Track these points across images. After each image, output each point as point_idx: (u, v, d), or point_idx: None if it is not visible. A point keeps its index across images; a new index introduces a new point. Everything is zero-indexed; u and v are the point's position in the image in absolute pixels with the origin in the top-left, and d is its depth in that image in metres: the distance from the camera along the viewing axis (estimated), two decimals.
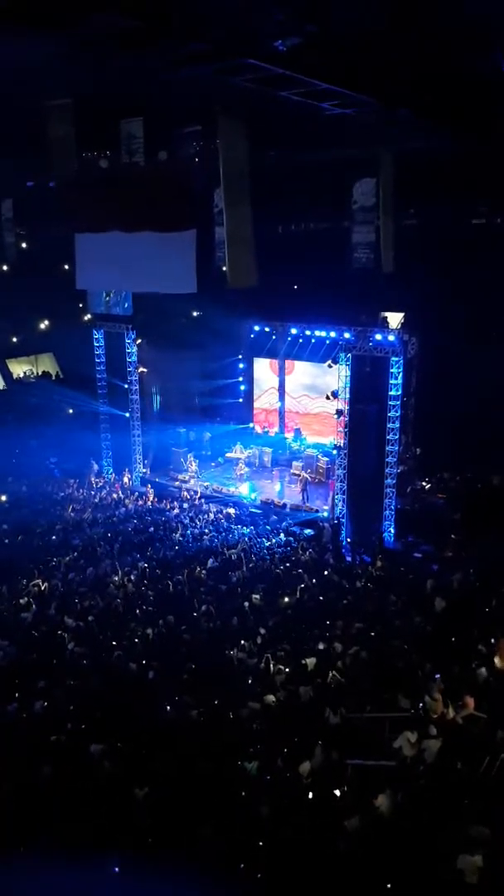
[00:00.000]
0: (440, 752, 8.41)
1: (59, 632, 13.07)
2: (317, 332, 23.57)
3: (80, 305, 27.98)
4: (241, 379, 27.56)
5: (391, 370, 19.10)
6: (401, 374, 19.19)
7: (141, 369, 24.58)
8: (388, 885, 6.20)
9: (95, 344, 24.40)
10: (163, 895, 6.07)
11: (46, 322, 31.32)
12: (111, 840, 6.98)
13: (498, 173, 19.05)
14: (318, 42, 10.39)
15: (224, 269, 17.39)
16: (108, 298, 24.07)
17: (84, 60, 11.73)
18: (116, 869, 6.61)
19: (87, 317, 26.47)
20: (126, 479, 24.81)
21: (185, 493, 23.10)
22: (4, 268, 28.50)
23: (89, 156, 19.81)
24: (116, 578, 15.99)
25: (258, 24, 9.92)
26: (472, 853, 6.23)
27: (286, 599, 14.67)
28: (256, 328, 25.83)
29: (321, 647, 12.16)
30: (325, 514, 20.81)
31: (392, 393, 19.15)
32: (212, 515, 21.18)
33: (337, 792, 7.94)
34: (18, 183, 23.84)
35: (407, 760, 8.47)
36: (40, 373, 32.46)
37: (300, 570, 16.41)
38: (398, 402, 19.28)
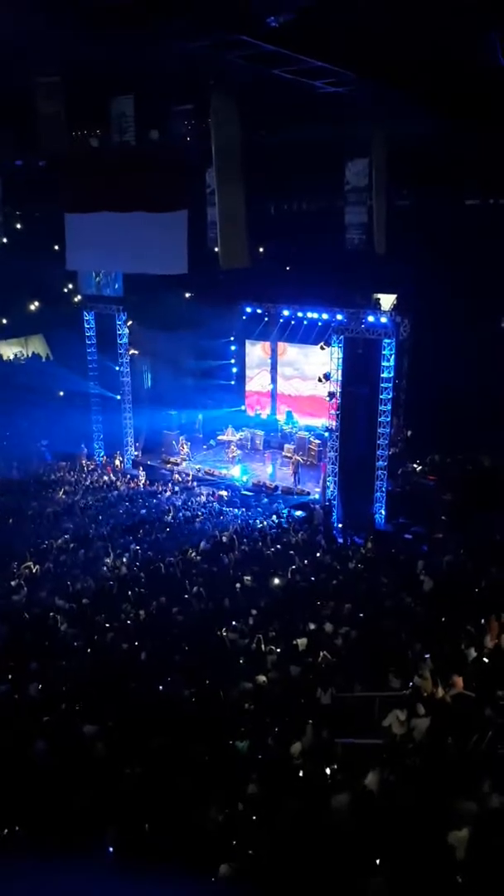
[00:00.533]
0: (429, 731, 8.52)
1: (52, 613, 13.11)
2: (309, 314, 23.48)
3: (70, 286, 27.75)
4: (232, 361, 27.48)
5: (383, 352, 19.10)
6: (393, 357, 19.19)
7: (132, 351, 24.47)
8: (378, 861, 6.29)
9: (86, 325, 24.25)
10: (155, 875, 6.12)
11: (36, 303, 31.04)
12: (104, 820, 7.04)
13: (491, 155, 18.93)
14: (312, 18, 10.26)
15: (216, 249, 17.25)
16: (98, 279, 23.89)
17: (74, 36, 11.55)
18: (111, 849, 6.66)
19: (78, 298, 26.27)
20: (117, 462, 24.78)
21: (177, 476, 23.10)
22: None
23: (79, 134, 19.51)
24: (108, 561, 16.03)
25: None
26: (460, 828, 6.33)
27: (277, 581, 14.75)
28: (248, 310, 25.70)
29: (312, 627, 12.25)
30: (317, 496, 20.87)
31: (384, 375, 19.16)
32: (204, 498, 21.23)
33: (328, 770, 8.03)
34: (7, 162, 23.49)
35: (396, 739, 8.58)
36: (30, 354, 32.26)
37: (292, 552, 16.49)
38: (390, 385, 19.29)
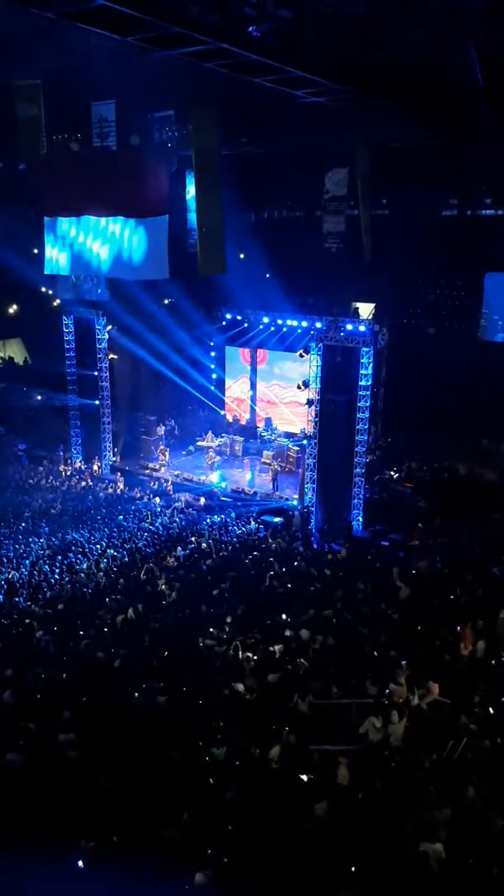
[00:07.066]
0: (405, 737, 8.57)
1: (28, 620, 12.97)
2: (289, 322, 23.57)
3: (49, 291, 27.57)
4: (212, 367, 27.47)
5: (361, 360, 19.22)
6: (371, 365, 19.33)
7: (111, 356, 24.37)
8: (353, 868, 6.30)
9: (65, 330, 24.12)
10: (129, 883, 6.08)
11: (15, 307, 30.81)
12: (79, 829, 6.97)
13: (468, 165, 19.22)
14: (293, 29, 10.35)
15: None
16: (77, 283, 23.75)
17: (55, 40, 11.55)
18: (80, 863, 6.58)
19: (57, 302, 26.12)
20: (96, 467, 24.64)
21: (155, 482, 23.03)
22: None
23: (60, 138, 19.45)
24: (85, 566, 15.90)
25: (232, 9, 9.86)
26: (434, 843, 6.35)
27: (255, 587, 14.72)
28: (228, 316, 25.74)
29: (289, 634, 12.24)
30: (295, 502, 20.92)
31: (362, 383, 19.28)
32: (182, 504, 21.16)
33: (304, 777, 8.03)
34: None
35: (373, 745, 8.60)
36: (8, 358, 31.99)
37: (270, 559, 16.48)
38: (368, 393, 19.42)
